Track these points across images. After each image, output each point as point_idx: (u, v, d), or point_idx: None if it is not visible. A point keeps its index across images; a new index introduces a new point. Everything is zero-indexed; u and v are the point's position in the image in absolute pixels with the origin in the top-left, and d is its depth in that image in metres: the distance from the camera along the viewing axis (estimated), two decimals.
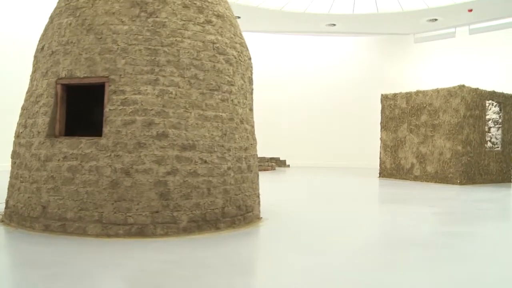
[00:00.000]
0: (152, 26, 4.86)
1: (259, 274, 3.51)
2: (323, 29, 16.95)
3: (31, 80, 5.32)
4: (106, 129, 4.62)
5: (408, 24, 15.97)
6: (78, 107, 5.60)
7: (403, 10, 14.69)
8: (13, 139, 5.35)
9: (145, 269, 3.44)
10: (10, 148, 5.40)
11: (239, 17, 16.22)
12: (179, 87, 4.82)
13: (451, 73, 16.25)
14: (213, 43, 5.15)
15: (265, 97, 18.30)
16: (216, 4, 5.43)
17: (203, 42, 5.07)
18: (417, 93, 12.16)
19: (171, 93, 4.77)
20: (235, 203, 5.13)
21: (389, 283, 3.23)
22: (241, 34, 5.80)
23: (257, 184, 5.79)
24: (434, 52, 17.35)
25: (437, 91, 11.61)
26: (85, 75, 4.77)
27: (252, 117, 5.88)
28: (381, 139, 13.23)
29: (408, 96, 12.38)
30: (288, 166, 18.10)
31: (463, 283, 3.26)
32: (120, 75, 4.71)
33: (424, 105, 11.88)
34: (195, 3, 5.17)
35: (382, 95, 13.23)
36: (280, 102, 18.49)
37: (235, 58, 5.41)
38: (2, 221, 5.07)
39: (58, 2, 5.35)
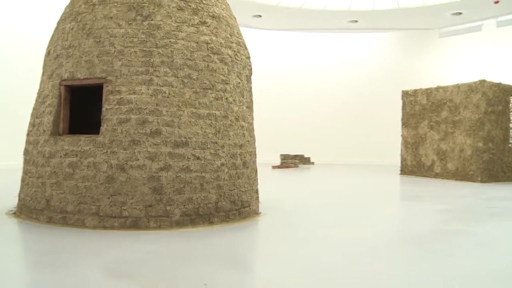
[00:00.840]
0: (147, 28, 5.09)
1: (240, 266, 3.64)
2: (345, 26, 16.83)
3: (40, 82, 5.68)
4: (103, 128, 4.89)
5: (431, 18, 15.60)
6: (87, 107, 5.93)
7: (425, 4, 14.39)
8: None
9: (126, 258, 3.66)
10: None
11: (259, 16, 16.38)
12: (172, 87, 5.03)
13: (477, 68, 15.75)
14: (207, 43, 5.32)
15: (289, 94, 18.40)
16: (212, 5, 5.60)
17: (197, 42, 5.25)
18: (438, 89, 11.91)
19: (165, 92, 4.99)
20: (230, 198, 5.29)
21: (371, 277, 3.30)
22: (238, 34, 5.96)
23: (255, 180, 5.92)
24: (460, 47, 16.86)
25: (458, 86, 11.33)
26: (85, 76, 5.06)
27: (251, 115, 6.01)
28: (402, 136, 13.04)
29: (428, 92, 12.14)
30: (313, 163, 18.07)
31: (437, 279, 3.29)
32: (117, 76, 4.97)
33: (445, 101, 11.63)
34: (190, 5, 5.36)
35: (402, 91, 13.03)
36: (303, 100, 18.49)
37: (231, 57, 5.57)
38: (14, 213, 5.45)
39: (64, 9, 5.69)
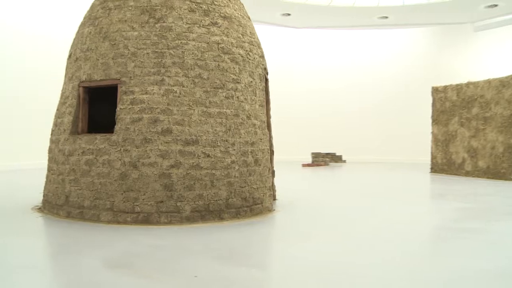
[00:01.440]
0: (159, 30, 5.26)
1: (237, 260, 3.73)
2: (375, 23, 16.54)
3: (63, 84, 5.98)
4: (117, 127, 5.10)
5: (465, 12, 15.08)
6: (109, 108, 6.18)
7: None
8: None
9: (130, 251, 3.83)
10: None
11: (289, 14, 16.38)
12: (183, 86, 5.18)
13: None
14: (218, 43, 5.44)
15: (320, 92, 18.29)
16: (224, 6, 5.71)
17: (208, 43, 5.37)
18: (468, 84, 11.52)
19: (176, 92, 5.14)
20: (241, 195, 5.38)
21: (363, 274, 3.32)
22: (251, 34, 6.04)
23: (268, 177, 5.99)
24: (496, 41, 16.21)
25: (489, 82, 10.93)
26: (101, 78, 5.29)
27: (264, 113, 6.08)
28: (432, 133, 12.71)
29: (458, 88, 11.77)
30: (344, 161, 17.90)
31: (435, 278, 3.26)
32: (130, 77, 5.17)
33: (475, 97, 11.23)
34: (201, 7, 5.50)
35: (432, 87, 12.69)
36: (335, 98, 18.32)
37: (242, 56, 5.66)
38: (39, 208, 5.77)
39: (84, 14, 5.95)
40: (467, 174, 11.49)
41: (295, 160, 17.14)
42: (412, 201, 7.38)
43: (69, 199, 5.21)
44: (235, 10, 5.87)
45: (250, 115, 5.65)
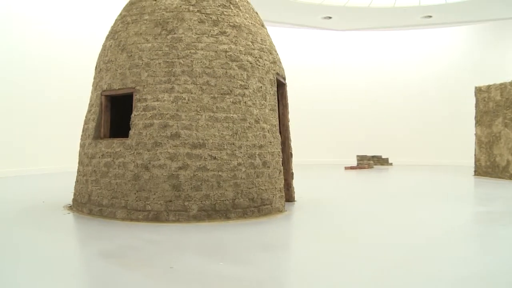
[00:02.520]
0: (170, 42, 5.64)
1: (220, 256, 3.96)
2: (419, 22, 16.11)
3: (90, 93, 6.54)
4: (131, 132, 5.53)
5: (510, 6, 14.29)
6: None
7: None
8: None
9: (127, 244, 4.20)
10: None
11: (329, 17, 16.38)
12: (191, 93, 5.51)
13: None
14: (226, 51, 5.72)
15: (364, 94, 18.07)
16: (234, 15, 5.99)
17: (216, 51, 5.68)
18: None
19: (184, 98, 5.49)
20: (248, 196, 5.62)
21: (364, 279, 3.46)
22: (262, 40, 6.26)
23: (279, 179, 6.17)
24: None
25: None
26: (119, 87, 5.76)
27: (275, 117, 6.27)
28: (475, 134, 12.18)
29: (502, 87, 11.21)
30: (391, 164, 17.54)
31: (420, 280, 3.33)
32: (144, 85, 5.59)
33: None
34: (211, 18, 5.82)
35: (475, 87, 12.17)
36: (380, 99, 18.02)
37: (251, 63, 5.90)
38: (70, 207, 6.35)
39: (109, 29, 6.48)
40: None
41: (341, 163, 17.07)
42: (436, 205, 7.23)
43: (91, 198, 5.72)
44: (245, 19, 6.13)
45: (258, 119, 5.88)
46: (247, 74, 5.83)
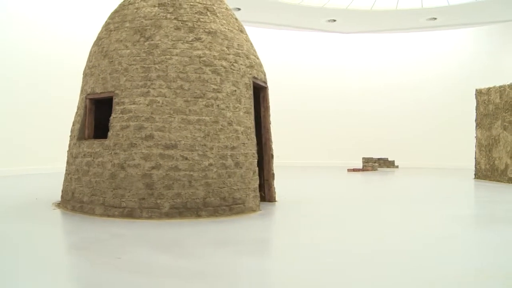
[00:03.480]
0: (147, 48, 5.97)
1: (170, 250, 4.24)
2: (422, 25, 16.05)
3: (79, 97, 6.94)
4: (109, 133, 5.88)
5: None
6: None
7: None
8: None
9: (95, 237, 4.52)
10: None
11: (334, 20, 16.50)
12: (165, 97, 5.82)
13: None
14: (200, 57, 6.01)
15: (371, 96, 18.08)
16: (210, 22, 6.27)
17: (190, 57, 5.97)
18: (511, 86, 10.85)
19: (159, 102, 5.80)
20: (219, 195, 5.88)
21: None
22: (239, 45, 6.51)
23: (252, 179, 6.40)
24: None
25: None
26: (101, 91, 6.12)
27: (250, 119, 6.50)
28: (476, 137, 12.10)
29: (501, 90, 11.11)
30: (397, 166, 17.49)
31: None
32: (122, 90, 5.93)
33: None
34: (187, 24, 6.12)
35: (476, 90, 12.09)
36: (386, 101, 18.01)
37: (225, 68, 6.17)
38: (58, 204, 6.75)
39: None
40: (510, 180, 10.81)
41: (348, 166, 17.14)
42: (414, 208, 7.32)
43: (74, 195, 6.10)
44: (221, 25, 6.40)
45: (232, 121, 6.14)
46: (220, 78, 6.09)
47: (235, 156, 6.12)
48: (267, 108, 7.35)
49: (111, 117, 5.93)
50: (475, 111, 12.16)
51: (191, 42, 6.04)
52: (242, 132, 6.28)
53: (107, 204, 5.72)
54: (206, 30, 6.19)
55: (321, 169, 16.50)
